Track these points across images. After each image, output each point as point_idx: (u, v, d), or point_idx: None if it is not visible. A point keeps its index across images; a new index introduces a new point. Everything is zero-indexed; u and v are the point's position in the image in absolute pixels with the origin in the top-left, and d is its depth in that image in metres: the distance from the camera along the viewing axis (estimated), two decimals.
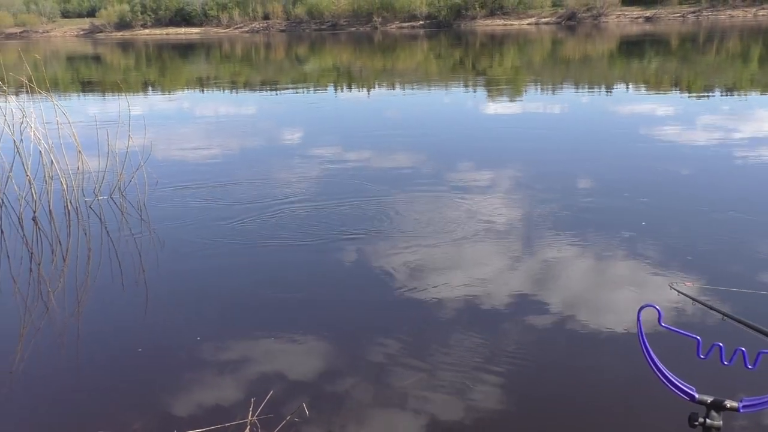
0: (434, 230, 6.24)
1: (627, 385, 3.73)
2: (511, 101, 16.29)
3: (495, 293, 4.88)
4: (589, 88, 18.34)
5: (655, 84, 18.64)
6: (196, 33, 63.98)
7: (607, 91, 17.49)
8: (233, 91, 20.89)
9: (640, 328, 1.89)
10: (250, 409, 3.36)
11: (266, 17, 64.92)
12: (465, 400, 3.59)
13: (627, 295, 4.82)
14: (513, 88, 18.98)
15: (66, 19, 72.79)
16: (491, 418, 3.46)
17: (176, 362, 4.10)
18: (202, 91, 20.92)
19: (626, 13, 56.57)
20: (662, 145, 10.05)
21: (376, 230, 6.29)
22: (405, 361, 3.98)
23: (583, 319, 4.46)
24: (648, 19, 54.45)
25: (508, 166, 8.83)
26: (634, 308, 4.53)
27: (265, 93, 19.87)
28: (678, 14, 55.45)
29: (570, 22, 55.76)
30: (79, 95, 19.25)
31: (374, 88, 20.57)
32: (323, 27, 61.28)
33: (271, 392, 3.59)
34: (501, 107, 15.27)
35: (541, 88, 18.87)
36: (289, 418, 3.40)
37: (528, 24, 56.33)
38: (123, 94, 18.16)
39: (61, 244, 6.29)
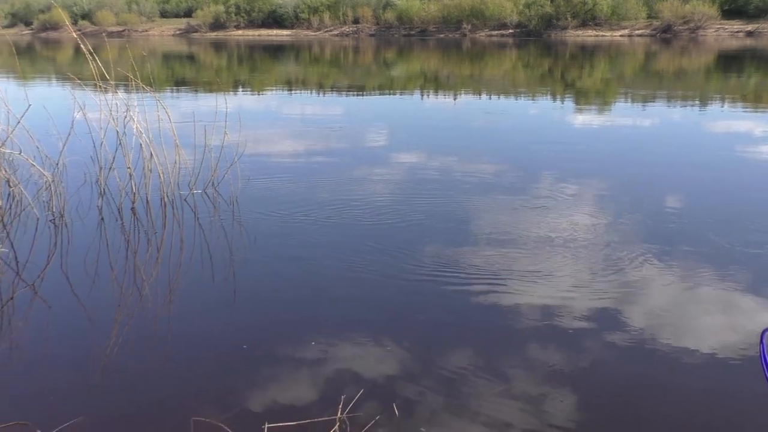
0: (514, 239, 6.20)
1: (712, 409, 3.57)
2: (600, 114, 15.94)
3: (575, 306, 4.80)
4: (682, 102, 17.72)
5: (754, 100, 17.87)
6: (287, 35, 65.15)
7: (701, 107, 16.85)
8: (321, 92, 21.18)
9: (763, 352, 1.80)
10: (339, 406, 3.39)
11: (356, 21, 65.58)
12: (539, 414, 3.55)
13: (717, 316, 4.64)
14: (602, 100, 18.56)
15: (164, 19, 75.44)
16: None
17: (265, 357, 4.15)
18: (291, 91, 21.30)
19: (726, 26, 54.42)
20: (760, 165, 9.62)
21: (456, 236, 6.29)
22: (483, 370, 3.97)
23: (667, 339, 4.36)
24: (749, 34, 52.20)
25: (594, 179, 8.63)
26: (724, 330, 4.41)
27: (351, 96, 20.06)
28: None
29: (665, 35, 54.03)
30: (173, 92, 19.89)
31: (460, 95, 20.48)
32: (412, 33, 61.36)
33: (362, 391, 3.61)
34: (589, 119, 14.96)
35: (632, 102, 18.36)
36: (378, 417, 3.41)
37: (621, 36, 54.89)
38: (216, 92, 18.76)
39: (156, 235, 6.50)
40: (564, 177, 8.62)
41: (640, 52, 39.39)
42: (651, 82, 23.85)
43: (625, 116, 15.21)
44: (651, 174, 9.03)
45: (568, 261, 5.69)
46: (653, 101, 18.05)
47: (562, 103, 18.03)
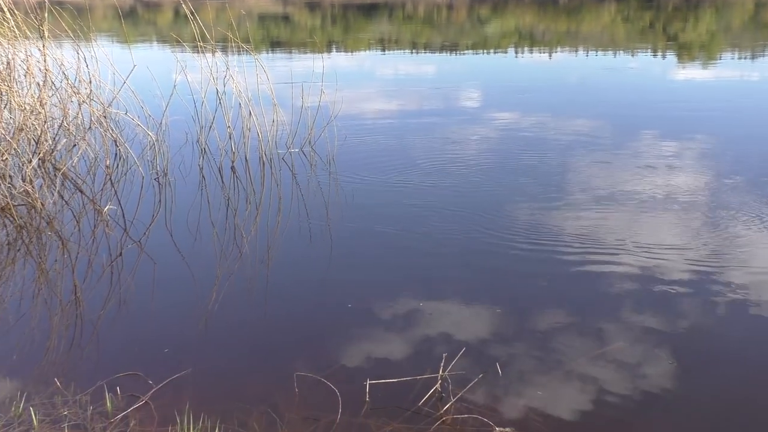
0: (613, 200, 6.04)
1: None
2: (704, 68, 15.09)
3: (675, 268, 4.63)
4: None
5: None
6: None
7: None
8: (414, 51, 20.94)
9: None
10: (441, 364, 3.35)
11: None
12: (635, 378, 3.44)
13: None
14: (707, 54, 17.56)
15: None
16: (661, 400, 3.29)
17: (365, 315, 4.16)
18: (384, 51, 21.15)
19: None
20: None
21: (553, 197, 6.16)
22: (582, 332, 3.88)
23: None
24: None
25: (696, 137, 8.26)
26: None
27: (444, 54, 19.74)
28: None
29: None
30: (269, 53, 20.11)
31: (556, 51, 19.82)
32: None
33: (464, 349, 3.56)
34: (692, 74, 14.19)
35: (739, 56, 17.30)
36: (481, 376, 3.36)
37: None
38: (311, 52, 18.85)
39: (255, 193, 6.60)
40: (666, 135, 8.30)
41: (749, 2, 37.01)
42: (762, 34, 22.38)
43: (732, 71, 14.35)
44: (760, 132, 8.52)
45: (669, 221, 5.50)
46: (763, 55, 16.92)
47: (664, 59, 17.17)
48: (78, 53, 7.22)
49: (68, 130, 7.40)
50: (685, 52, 18.08)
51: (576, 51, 19.76)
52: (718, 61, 16.40)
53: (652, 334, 3.84)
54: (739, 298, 4.21)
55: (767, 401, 3.31)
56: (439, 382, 3.31)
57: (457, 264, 4.88)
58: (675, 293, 4.30)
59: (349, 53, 20.69)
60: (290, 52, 20.53)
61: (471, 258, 4.96)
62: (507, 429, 3.06)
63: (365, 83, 13.63)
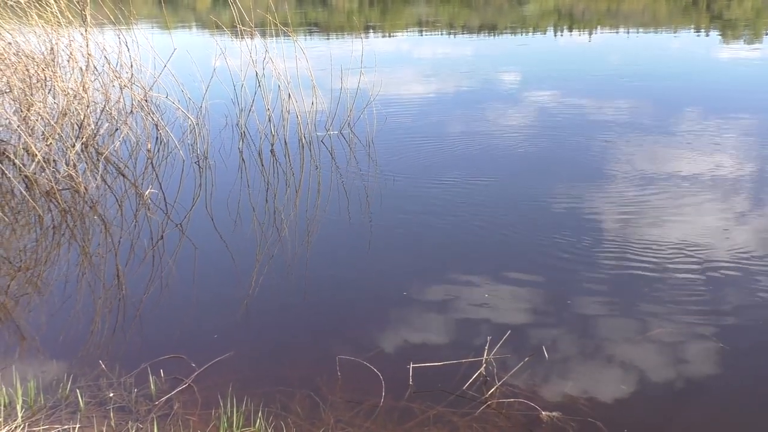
0: (653, 178, 5.97)
1: None
2: (750, 46, 14.64)
3: (715, 252, 4.51)
4: None
5: None
6: None
7: None
8: (452, 33, 20.71)
9: None
10: (486, 347, 3.29)
11: None
12: (678, 362, 3.38)
13: None
14: (752, 32, 17.05)
15: None
16: (705, 385, 3.24)
17: (408, 299, 4.12)
18: (421, 33, 20.96)
19: None
20: None
21: (591, 175, 6.14)
22: (626, 315, 3.84)
23: None
24: None
25: (739, 115, 8.06)
26: None
27: (483, 36, 19.49)
28: None
29: None
30: (307, 36, 20.07)
31: (596, 31, 19.43)
32: None
33: (509, 332, 3.50)
34: (736, 53, 13.78)
35: None
36: (527, 359, 3.30)
37: None
38: (348, 35, 18.76)
39: (294, 176, 6.58)
40: (706, 115, 8.13)
41: None
42: None
43: None
44: None
45: (711, 203, 5.39)
46: None
47: (707, 37, 16.73)
48: (119, 38, 7.26)
49: (110, 114, 7.48)
50: (729, 30, 17.58)
51: (617, 30, 19.34)
52: (764, 39, 15.92)
53: (695, 319, 3.74)
54: None
55: None
56: (484, 365, 3.26)
57: (498, 248, 4.81)
58: (717, 275, 4.19)
59: (387, 36, 20.54)
60: (328, 36, 20.47)
61: (511, 242, 4.89)
62: (554, 413, 3.00)
63: (404, 65, 13.52)
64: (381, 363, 3.41)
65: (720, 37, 16.59)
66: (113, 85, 7.42)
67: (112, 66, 7.32)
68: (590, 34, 18.85)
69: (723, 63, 12.60)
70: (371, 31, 21.89)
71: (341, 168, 6.70)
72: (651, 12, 24.28)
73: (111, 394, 3.25)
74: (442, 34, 20.42)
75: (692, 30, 18.37)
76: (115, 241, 5.22)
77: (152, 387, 3.26)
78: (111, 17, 7.59)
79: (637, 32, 18.47)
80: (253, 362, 3.54)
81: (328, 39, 19.25)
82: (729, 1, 25.98)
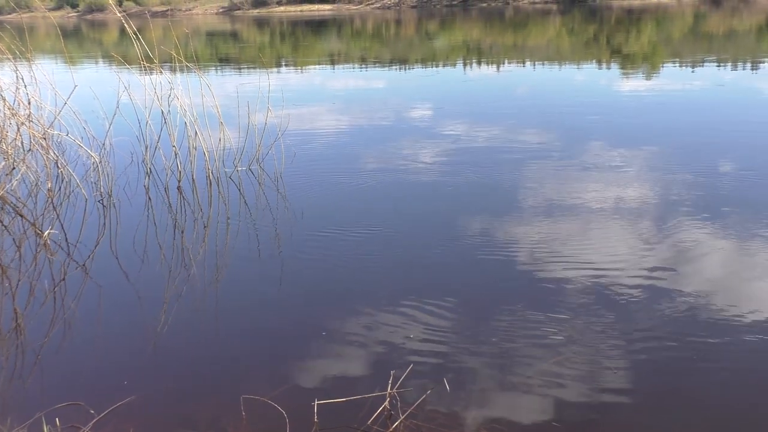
0: (562, 208, 6.15)
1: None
2: (647, 79, 15.50)
3: (626, 275, 4.70)
4: (733, 65, 17.05)
5: None
6: (329, 9, 64.72)
7: (753, 68, 16.25)
8: (363, 67, 21.02)
9: None
10: (389, 381, 3.33)
11: None
12: (593, 386, 3.48)
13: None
14: (649, 65, 18.05)
15: None
16: (619, 407, 3.34)
17: (313, 334, 4.11)
18: (334, 67, 21.18)
19: None
20: None
21: (504, 206, 6.28)
22: (534, 343, 3.91)
23: (723, 306, 4.24)
24: None
25: (641, 145, 8.47)
26: None
27: (394, 69, 19.86)
28: None
29: None
30: (217, 70, 19.95)
31: (503, 64, 20.11)
32: (454, 3, 60.28)
33: (411, 366, 3.55)
34: (635, 85, 14.54)
35: (680, 65, 17.83)
36: (429, 392, 3.35)
37: None
38: (259, 69, 18.75)
39: (202, 213, 6.51)
40: (611, 144, 8.47)
41: (689, 14, 38.22)
42: (700, 45, 23.10)
43: (674, 81, 14.74)
44: (701, 139, 8.79)
45: (617, 228, 5.59)
46: (702, 65, 17.45)
47: (608, 70, 17.59)
48: (16, 74, 7.05)
49: (6, 152, 7.21)
50: (629, 63, 18.54)
51: (523, 63, 20.08)
52: (660, 71, 16.84)
53: (603, 342, 3.87)
54: (689, 304, 4.26)
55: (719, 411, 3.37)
56: (388, 400, 3.29)
57: (405, 276, 4.88)
58: (626, 299, 4.35)
59: (299, 70, 20.65)
60: (239, 70, 20.40)
61: (419, 270, 4.96)
62: None
63: (314, 99, 13.60)
64: (286, 401, 3.39)
65: (620, 70, 17.45)
66: (10, 123, 7.17)
67: (8, 103, 7.09)
68: (498, 67, 19.47)
69: (623, 94, 13.22)
70: (283, 65, 21.96)
71: (250, 204, 6.67)
72: (555, 46, 25.33)
73: None
74: (353, 68, 20.69)
75: (594, 63, 19.23)
76: (13, 284, 5.02)
77: None
78: (8, 52, 7.36)
79: (543, 65, 19.23)
80: (158, 405, 3.47)
81: (239, 73, 19.19)
82: (627, 36, 27.42)
